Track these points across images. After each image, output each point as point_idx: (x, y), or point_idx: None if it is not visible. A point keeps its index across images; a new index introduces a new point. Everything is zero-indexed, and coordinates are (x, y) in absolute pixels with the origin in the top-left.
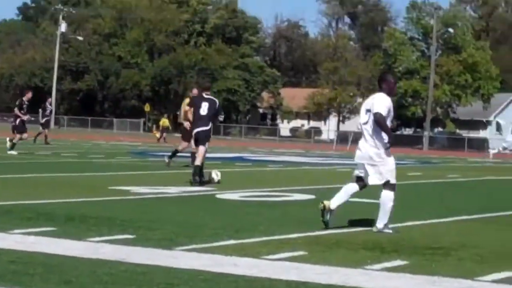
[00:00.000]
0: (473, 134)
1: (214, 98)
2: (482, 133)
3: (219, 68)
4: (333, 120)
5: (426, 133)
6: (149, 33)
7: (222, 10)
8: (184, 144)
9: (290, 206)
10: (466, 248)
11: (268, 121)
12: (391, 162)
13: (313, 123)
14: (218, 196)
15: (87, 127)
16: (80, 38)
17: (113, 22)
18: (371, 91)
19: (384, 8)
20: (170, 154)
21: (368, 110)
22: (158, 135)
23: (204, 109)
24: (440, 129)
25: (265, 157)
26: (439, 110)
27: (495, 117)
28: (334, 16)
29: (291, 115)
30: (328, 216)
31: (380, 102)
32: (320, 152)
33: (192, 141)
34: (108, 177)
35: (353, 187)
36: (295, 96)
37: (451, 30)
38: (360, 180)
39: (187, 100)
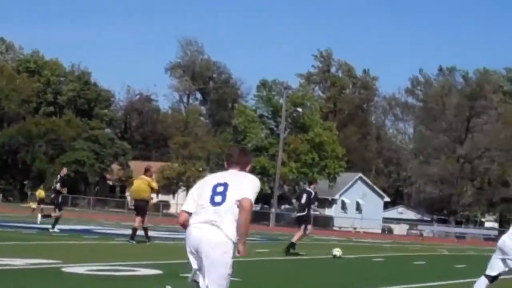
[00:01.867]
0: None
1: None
2: (327, 211)
3: (68, 139)
4: (181, 194)
5: (273, 210)
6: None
7: (75, 82)
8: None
9: (136, 280)
10: None
11: (117, 193)
12: None
13: (162, 197)
14: (64, 269)
15: None
16: None
17: None
18: (220, 166)
19: (235, 85)
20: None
21: None
22: (34, 206)
23: None
24: (287, 206)
25: (113, 230)
26: (286, 187)
27: (340, 195)
28: (185, 91)
29: None
30: None
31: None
32: (169, 226)
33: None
34: None
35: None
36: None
37: (299, 109)
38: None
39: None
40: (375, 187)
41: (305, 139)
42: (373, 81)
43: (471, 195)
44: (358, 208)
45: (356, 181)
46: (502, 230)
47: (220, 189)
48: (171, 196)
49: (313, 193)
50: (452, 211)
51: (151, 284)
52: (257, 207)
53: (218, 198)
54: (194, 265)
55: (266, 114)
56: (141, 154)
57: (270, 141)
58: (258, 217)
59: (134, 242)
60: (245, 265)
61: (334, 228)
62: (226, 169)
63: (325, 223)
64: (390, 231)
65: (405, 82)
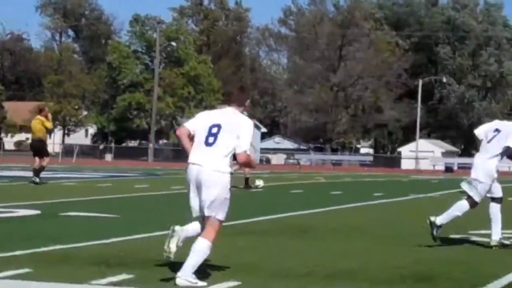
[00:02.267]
0: None
1: None
2: None
3: None
4: (58, 133)
5: (151, 145)
6: None
7: None
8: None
9: (14, 222)
10: None
11: None
12: None
13: None
14: None
15: None
16: None
17: None
18: (96, 104)
19: (107, 21)
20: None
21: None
22: None
23: None
24: (164, 140)
25: None
26: (163, 122)
27: None
28: (57, 29)
29: (15, 128)
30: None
31: None
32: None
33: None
34: None
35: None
36: (19, 110)
37: (173, 43)
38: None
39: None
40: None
41: (180, 73)
42: (245, 12)
43: (346, 123)
44: None
45: None
46: (377, 155)
47: (214, 130)
48: (48, 135)
49: None
50: (327, 139)
51: (30, 225)
52: (135, 143)
53: (211, 139)
54: (195, 201)
55: (140, 49)
56: (15, 94)
57: (145, 76)
58: (137, 153)
59: (37, 179)
60: (124, 201)
61: None
62: (224, 106)
63: None
64: (268, 161)
65: (278, 13)
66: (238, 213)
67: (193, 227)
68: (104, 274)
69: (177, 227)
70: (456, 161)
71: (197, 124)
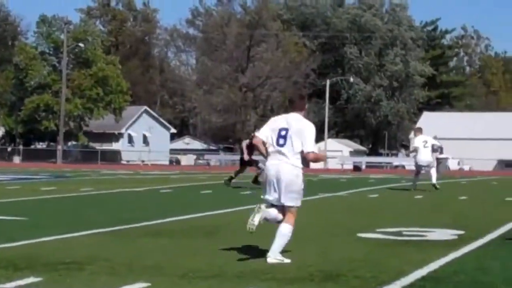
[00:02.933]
0: (106, 147)
1: None
2: (114, 146)
3: None
4: None
5: (59, 147)
6: None
7: None
8: None
9: None
10: (99, 261)
11: None
12: None
13: None
14: None
15: None
16: None
17: None
18: (3, 106)
19: (14, 22)
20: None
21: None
22: None
23: None
24: (73, 142)
25: None
26: (72, 123)
27: (126, 129)
28: None
29: None
30: None
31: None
32: None
33: None
34: None
35: None
36: None
37: (81, 45)
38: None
39: None
40: (161, 119)
41: (89, 74)
42: (153, 13)
43: (255, 123)
44: (145, 141)
45: (141, 114)
46: None
47: (283, 133)
48: None
49: None
50: (237, 139)
51: None
52: (44, 145)
53: (281, 141)
54: (272, 194)
55: (47, 50)
56: None
57: (53, 78)
58: (45, 155)
59: None
60: (31, 204)
61: (122, 162)
62: (288, 112)
63: (113, 157)
64: (178, 162)
65: (186, 13)
66: (147, 214)
67: (274, 212)
68: (11, 277)
69: (263, 206)
70: (364, 160)
71: (268, 131)
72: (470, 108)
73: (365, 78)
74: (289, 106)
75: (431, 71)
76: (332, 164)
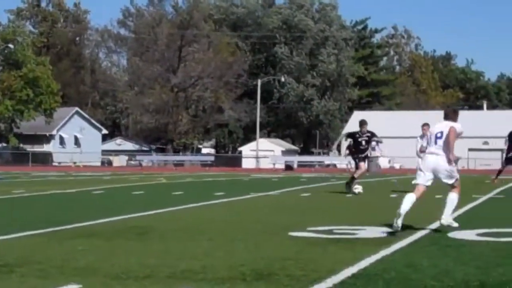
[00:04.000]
0: (37, 149)
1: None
2: (46, 147)
3: None
4: None
5: None
6: None
7: None
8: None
9: None
10: (30, 264)
11: None
12: None
13: None
14: None
15: None
16: None
17: None
18: None
19: None
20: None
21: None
22: None
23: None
24: (4, 144)
25: None
26: (2, 125)
27: (58, 131)
28: None
29: None
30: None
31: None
32: None
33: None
34: None
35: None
36: None
37: (11, 46)
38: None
39: None
40: (92, 120)
41: (19, 75)
42: (84, 14)
43: (187, 123)
44: (77, 142)
45: (73, 115)
46: (218, 155)
47: (439, 134)
48: None
49: None
50: (169, 139)
51: None
52: None
53: (438, 140)
54: (428, 175)
55: None
56: None
57: None
58: None
59: None
60: None
61: (54, 163)
62: (442, 121)
63: (44, 159)
64: (110, 163)
65: (117, 14)
66: (80, 216)
67: (407, 202)
68: None
69: (401, 211)
70: (296, 159)
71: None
72: (400, 106)
73: (297, 78)
74: (444, 117)
75: (363, 70)
76: (264, 163)
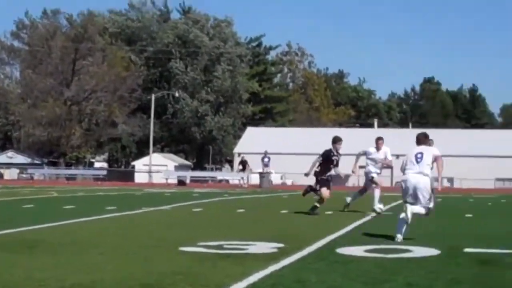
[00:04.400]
0: None
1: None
2: None
3: None
4: None
5: None
6: None
7: None
8: None
9: None
10: None
11: None
12: None
13: None
14: None
15: None
16: None
17: None
18: None
19: None
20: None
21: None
22: None
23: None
24: None
25: None
26: None
27: None
28: None
29: None
30: None
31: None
32: None
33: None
34: None
35: None
36: None
37: None
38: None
39: None
40: None
41: None
42: None
43: (80, 137)
44: None
45: None
46: (111, 169)
47: (419, 155)
48: None
49: None
50: (62, 153)
51: None
52: None
53: (419, 160)
54: (409, 195)
55: None
56: None
57: None
58: None
59: None
60: None
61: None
62: (417, 145)
63: None
64: (1, 176)
65: (11, 25)
66: None
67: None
68: None
69: (407, 216)
70: (189, 174)
71: (407, 157)
72: (293, 123)
73: (192, 93)
74: (417, 143)
75: (257, 87)
76: (157, 178)
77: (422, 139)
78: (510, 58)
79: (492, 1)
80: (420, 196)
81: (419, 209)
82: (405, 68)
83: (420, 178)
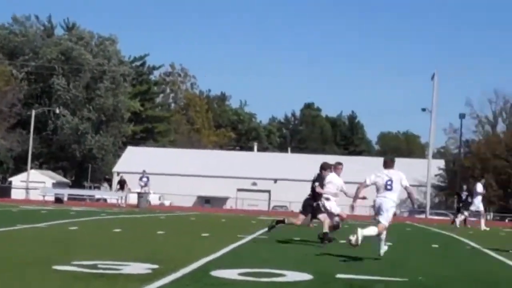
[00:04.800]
0: None
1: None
2: None
3: None
4: None
5: None
6: None
7: None
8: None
9: None
10: None
11: None
12: None
13: None
14: None
15: None
16: None
17: None
18: None
19: None
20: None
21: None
22: None
23: None
24: None
25: None
26: None
27: None
28: None
29: None
30: None
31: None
32: None
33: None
34: None
35: None
36: None
37: None
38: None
39: None
40: None
41: None
42: None
43: None
44: None
45: None
46: None
47: (389, 182)
48: None
49: None
50: None
51: None
52: None
53: (388, 187)
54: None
55: None
56: None
57: None
58: None
59: None
60: None
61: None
62: (386, 168)
63: None
64: None
65: None
66: None
67: (371, 231)
68: None
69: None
70: (66, 192)
71: (373, 178)
72: (174, 144)
73: (73, 110)
74: (385, 166)
75: (139, 106)
76: (34, 195)
77: (389, 163)
78: (388, 87)
79: (366, 31)
80: (381, 213)
81: (369, 231)
82: (286, 93)
83: (385, 201)
